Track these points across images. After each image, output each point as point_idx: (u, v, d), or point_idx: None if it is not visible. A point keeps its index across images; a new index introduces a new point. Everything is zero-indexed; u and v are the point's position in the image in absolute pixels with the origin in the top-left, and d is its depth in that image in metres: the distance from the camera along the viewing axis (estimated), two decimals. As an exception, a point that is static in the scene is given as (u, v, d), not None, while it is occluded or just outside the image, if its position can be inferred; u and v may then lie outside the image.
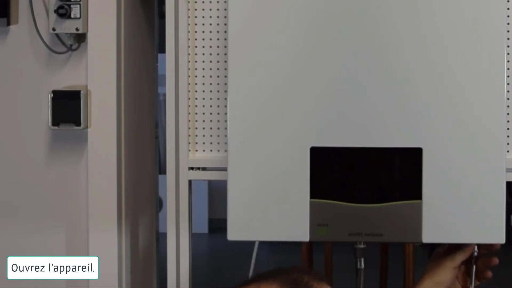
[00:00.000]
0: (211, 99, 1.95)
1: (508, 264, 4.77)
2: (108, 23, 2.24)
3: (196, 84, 1.95)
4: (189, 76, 1.95)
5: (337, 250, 2.61)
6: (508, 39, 1.86)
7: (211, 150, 1.95)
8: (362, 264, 1.87)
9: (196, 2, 1.95)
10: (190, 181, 1.98)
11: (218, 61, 1.94)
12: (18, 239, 2.35)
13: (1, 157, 2.34)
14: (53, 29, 2.23)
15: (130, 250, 2.35)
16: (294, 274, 1.09)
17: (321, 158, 1.75)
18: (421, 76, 1.74)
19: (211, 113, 1.95)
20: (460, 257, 1.70)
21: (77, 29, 2.22)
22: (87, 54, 2.26)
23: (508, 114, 1.89)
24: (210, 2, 1.95)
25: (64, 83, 2.29)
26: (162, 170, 2.91)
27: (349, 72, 1.75)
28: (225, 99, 1.89)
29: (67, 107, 2.23)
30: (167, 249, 2.00)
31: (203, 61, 1.95)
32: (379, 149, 1.75)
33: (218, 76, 1.94)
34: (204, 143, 1.96)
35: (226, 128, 1.91)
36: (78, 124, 2.23)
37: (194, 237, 2.04)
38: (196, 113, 1.95)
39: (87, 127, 2.25)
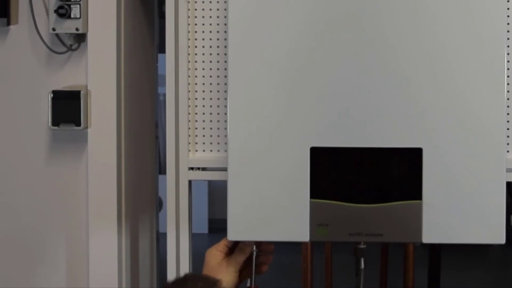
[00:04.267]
0: (211, 99, 1.95)
1: (508, 264, 4.77)
2: (108, 23, 2.24)
3: (196, 84, 1.95)
4: (189, 76, 1.95)
5: (337, 250, 2.62)
6: (508, 39, 1.86)
7: (211, 150, 1.95)
8: (362, 264, 1.87)
9: (196, 2, 1.95)
10: (190, 181, 1.98)
11: (218, 61, 1.94)
12: (19, 239, 2.35)
13: (1, 157, 2.35)
14: (53, 29, 2.23)
15: (130, 250, 2.36)
16: (189, 282, 1.17)
17: (321, 158, 1.75)
18: (421, 76, 1.74)
19: (211, 113, 1.95)
20: (241, 259, 1.69)
21: (77, 29, 2.22)
22: (87, 54, 2.26)
23: (508, 114, 1.89)
24: (210, 2, 1.95)
25: (64, 83, 2.29)
26: (162, 170, 2.91)
27: (349, 72, 1.74)
28: (225, 99, 1.89)
29: (67, 107, 2.24)
30: (167, 249, 2.00)
31: (203, 61, 1.95)
32: (379, 149, 1.74)
33: (218, 76, 1.94)
34: (204, 143, 1.96)
35: (226, 128, 1.91)
36: (78, 124, 2.24)
37: (194, 237, 2.04)
38: (196, 113, 1.95)
39: (87, 127, 2.25)
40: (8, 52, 2.32)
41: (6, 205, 2.35)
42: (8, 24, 2.29)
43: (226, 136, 1.91)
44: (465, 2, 1.74)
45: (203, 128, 1.95)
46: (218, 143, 1.95)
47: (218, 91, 1.94)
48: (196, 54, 1.95)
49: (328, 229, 1.75)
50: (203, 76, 1.95)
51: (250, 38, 1.76)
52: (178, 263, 1.99)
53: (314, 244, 2.60)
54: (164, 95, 1.98)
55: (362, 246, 1.84)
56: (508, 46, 1.83)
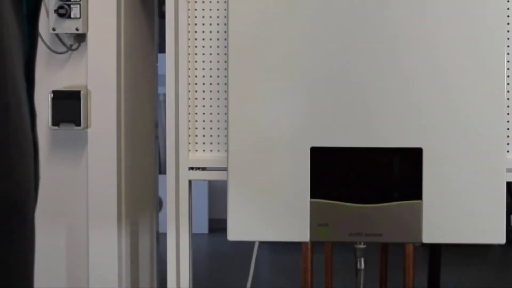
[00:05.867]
0: (211, 99, 1.95)
1: (508, 264, 4.77)
2: (108, 23, 2.24)
3: (196, 84, 1.95)
4: (189, 76, 1.95)
5: (337, 250, 2.62)
6: (508, 39, 1.86)
7: (211, 150, 1.95)
8: (362, 264, 1.87)
9: (196, 2, 1.95)
10: (190, 181, 1.98)
11: (218, 61, 1.94)
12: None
13: (1, 157, 2.34)
14: (53, 29, 2.23)
15: (130, 250, 2.35)
16: None
17: (321, 158, 1.75)
18: (422, 76, 1.74)
19: (211, 113, 1.95)
20: None
21: (77, 29, 2.22)
22: (87, 54, 2.26)
23: (508, 114, 1.89)
24: (210, 2, 1.95)
25: (64, 83, 2.29)
26: (162, 170, 2.90)
27: (350, 72, 1.75)
28: (225, 99, 1.89)
29: (67, 107, 2.23)
30: (167, 249, 2.00)
31: (203, 61, 1.95)
32: (379, 149, 1.75)
33: (218, 76, 1.94)
34: (204, 143, 1.96)
35: (226, 128, 1.91)
36: (78, 124, 2.23)
37: (194, 237, 2.04)
38: (196, 113, 1.95)
39: (87, 127, 2.25)
40: (8, 52, 2.31)
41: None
42: (8, 24, 2.29)
43: (226, 136, 1.90)
44: (466, 3, 1.74)
45: (203, 128, 1.95)
46: (218, 143, 1.95)
47: (218, 91, 1.94)
48: (196, 54, 1.95)
49: (328, 229, 1.75)
50: (203, 76, 1.95)
51: (250, 38, 1.76)
52: (178, 263, 1.99)
53: (314, 244, 2.60)
54: (164, 95, 1.98)
55: (362, 246, 1.84)
56: (508, 46, 1.83)
